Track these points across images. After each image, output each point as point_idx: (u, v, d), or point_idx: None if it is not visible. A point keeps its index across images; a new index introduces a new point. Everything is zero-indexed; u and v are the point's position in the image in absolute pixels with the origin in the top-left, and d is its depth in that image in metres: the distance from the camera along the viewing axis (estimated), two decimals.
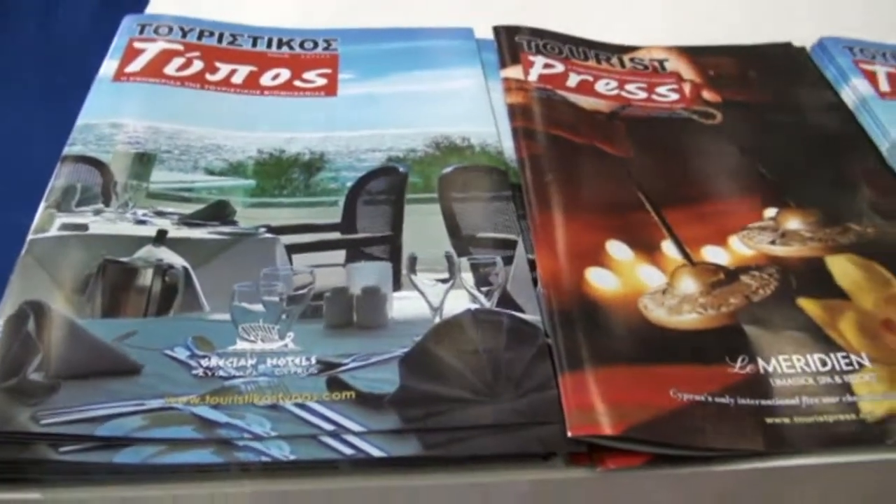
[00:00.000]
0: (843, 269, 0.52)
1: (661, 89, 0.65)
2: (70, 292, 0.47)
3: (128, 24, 0.66)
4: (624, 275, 0.50)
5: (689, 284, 0.50)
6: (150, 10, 0.72)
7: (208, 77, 0.62)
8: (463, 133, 0.59)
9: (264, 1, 0.75)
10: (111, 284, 0.48)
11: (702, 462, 0.42)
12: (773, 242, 0.53)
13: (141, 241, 0.50)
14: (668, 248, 0.52)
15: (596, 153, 0.59)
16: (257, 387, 0.43)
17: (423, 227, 0.53)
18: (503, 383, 0.44)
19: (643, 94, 0.65)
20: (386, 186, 0.56)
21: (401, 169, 0.56)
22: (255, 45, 0.66)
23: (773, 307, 0.49)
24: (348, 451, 0.40)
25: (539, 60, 0.66)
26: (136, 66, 0.62)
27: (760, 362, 0.46)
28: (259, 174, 0.56)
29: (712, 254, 0.52)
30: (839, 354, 0.47)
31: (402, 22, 0.70)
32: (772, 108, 0.65)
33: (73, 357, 0.43)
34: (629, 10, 0.78)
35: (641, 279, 0.50)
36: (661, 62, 0.68)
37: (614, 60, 0.68)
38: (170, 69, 0.62)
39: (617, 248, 0.52)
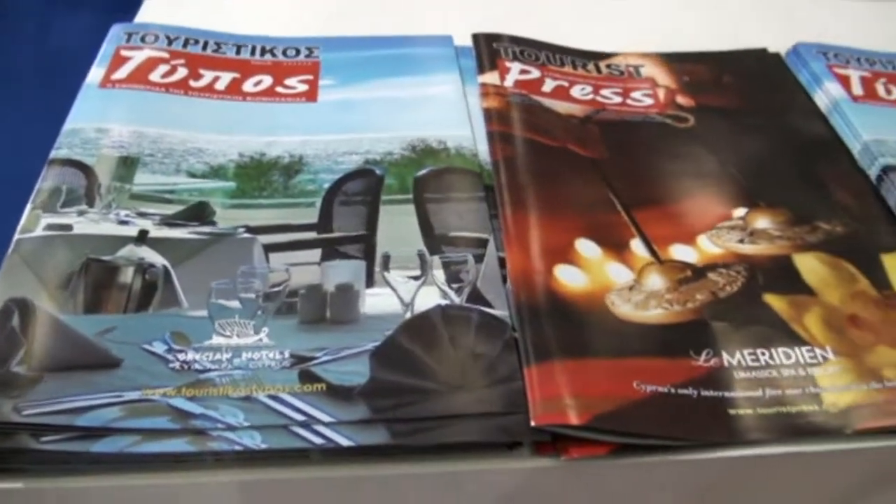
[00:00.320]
0: (810, 266, 0.52)
1: (636, 94, 0.66)
2: (54, 289, 0.48)
3: (115, 32, 0.67)
4: (592, 272, 0.51)
5: (655, 281, 0.51)
6: (139, 18, 0.73)
7: (192, 83, 0.63)
8: (439, 136, 0.60)
9: (251, 10, 0.76)
10: (93, 282, 0.49)
11: (665, 451, 0.43)
12: (741, 241, 0.54)
13: (123, 241, 0.51)
14: (636, 246, 0.53)
15: (569, 155, 0.60)
16: (232, 379, 0.44)
17: (398, 227, 0.53)
18: (470, 375, 0.44)
19: (618, 99, 0.65)
20: (362, 188, 0.56)
21: (377, 171, 0.57)
22: (238, 52, 0.67)
23: (739, 303, 0.50)
24: (318, 440, 0.41)
25: (515, 66, 0.67)
26: (122, 73, 0.63)
27: (725, 356, 0.47)
28: (239, 176, 0.57)
29: (681, 252, 0.53)
30: (804, 348, 0.47)
31: (387, 30, 0.71)
32: (745, 112, 0.65)
33: (56, 351, 0.44)
34: (609, 18, 0.79)
35: (609, 276, 0.51)
36: (636, 68, 0.69)
37: (590, 66, 0.69)
38: (155, 76, 0.63)
39: (586, 247, 0.52)
